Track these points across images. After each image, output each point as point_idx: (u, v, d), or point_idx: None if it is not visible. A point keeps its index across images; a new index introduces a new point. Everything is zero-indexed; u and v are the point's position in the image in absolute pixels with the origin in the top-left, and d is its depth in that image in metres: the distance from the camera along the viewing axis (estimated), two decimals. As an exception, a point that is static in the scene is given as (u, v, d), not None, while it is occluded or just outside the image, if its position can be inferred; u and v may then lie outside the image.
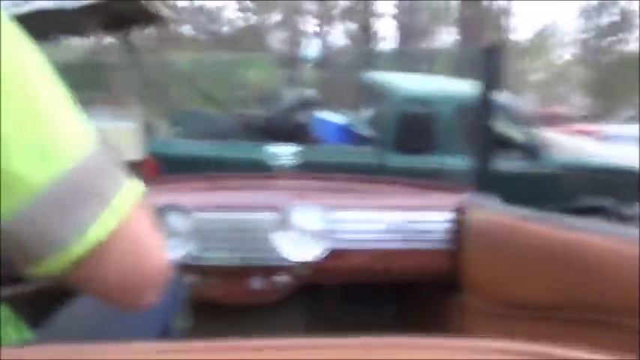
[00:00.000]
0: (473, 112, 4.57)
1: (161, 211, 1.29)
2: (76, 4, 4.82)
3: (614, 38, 23.78)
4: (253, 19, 20.19)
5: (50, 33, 5.50)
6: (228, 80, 13.75)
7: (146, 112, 5.46)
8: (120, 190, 0.49)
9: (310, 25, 19.55)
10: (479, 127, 1.40)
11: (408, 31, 11.96)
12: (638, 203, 4.23)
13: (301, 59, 16.25)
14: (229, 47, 18.42)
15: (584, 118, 13.04)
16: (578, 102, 25.60)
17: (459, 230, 1.27)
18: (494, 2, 17.06)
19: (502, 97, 4.52)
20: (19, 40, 0.47)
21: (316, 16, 18.99)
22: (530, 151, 4.14)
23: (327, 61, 16.94)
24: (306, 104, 4.06)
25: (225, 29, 20.10)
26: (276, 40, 21.20)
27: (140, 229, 0.52)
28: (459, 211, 1.29)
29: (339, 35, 20.00)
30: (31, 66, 0.47)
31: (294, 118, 3.93)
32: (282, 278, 1.30)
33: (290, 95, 4.15)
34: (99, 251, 0.48)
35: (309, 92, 4.39)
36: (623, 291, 0.81)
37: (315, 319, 1.54)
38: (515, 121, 4.28)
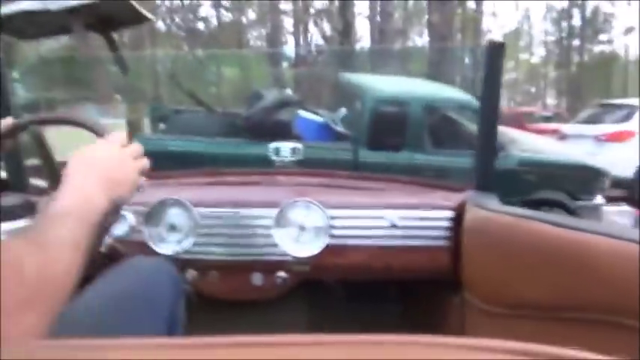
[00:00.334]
0: (440, 111, 4.92)
1: (161, 207, 1.29)
2: (61, 6, 4.97)
3: (583, 40, 24.51)
4: (228, 17, 20.27)
5: (36, 33, 5.62)
6: (206, 76, 13.75)
7: (130, 109, 5.64)
8: None
9: (287, 24, 19.72)
10: (482, 125, 1.37)
11: (382, 32, 12.23)
12: (589, 196, 4.63)
13: (279, 57, 16.39)
14: (206, 44, 18.48)
15: (549, 119, 13.57)
16: (549, 102, 26.34)
17: (458, 229, 1.27)
18: (464, 3, 17.38)
19: (465, 96, 4.88)
20: None
21: (292, 16, 19.15)
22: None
23: (304, 60, 17.14)
24: (287, 103, 4.29)
25: (202, 26, 20.14)
26: (254, 38, 21.34)
27: None
28: (459, 209, 1.29)
29: (315, 35, 20.22)
30: None
31: (276, 117, 4.17)
32: (281, 274, 1.31)
33: (271, 95, 4.36)
34: None
35: (289, 92, 4.63)
36: (623, 291, 0.80)
37: (315, 316, 1.54)
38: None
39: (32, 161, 1.16)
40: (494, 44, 1.32)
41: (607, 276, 0.83)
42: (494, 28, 25.06)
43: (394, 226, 1.29)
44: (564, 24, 25.56)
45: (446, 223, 1.30)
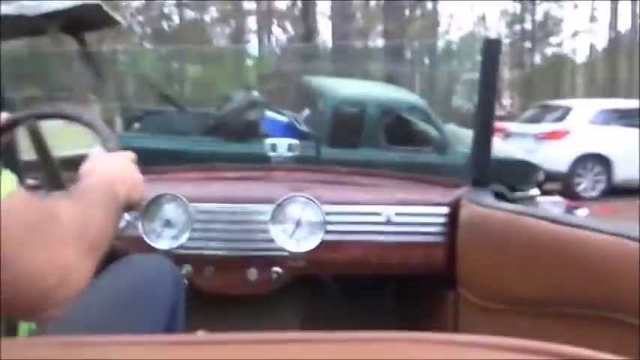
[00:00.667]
0: (393, 112, 5.41)
1: (157, 202, 1.29)
2: (36, 11, 5.15)
3: (535, 43, 25.62)
4: (191, 15, 20.24)
5: (9, 36, 5.75)
6: (169, 74, 13.70)
7: (104, 108, 5.87)
8: None
9: (251, 23, 19.89)
10: (478, 122, 1.35)
11: (343, 34, 12.58)
12: (525, 188, 5.22)
13: (242, 56, 16.53)
14: (169, 43, 18.43)
15: (502, 118, 14.35)
16: (505, 101, 27.31)
17: (454, 225, 1.27)
18: (419, 3, 17.71)
19: (415, 98, 5.40)
20: None
21: (255, 15, 19.32)
22: (440, 145, 5.01)
23: (267, 59, 17.35)
24: (255, 105, 4.69)
25: (165, 25, 20.05)
26: (218, 36, 21.37)
27: (9, 236, 0.49)
28: (454, 205, 1.29)
29: (278, 34, 20.49)
30: None
31: (245, 117, 4.56)
32: (277, 270, 1.31)
33: (240, 96, 4.75)
34: None
35: (256, 94, 5.02)
36: (618, 287, 0.79)
37: (311, 311, 1.55)
38: (428, 119, 5.15)
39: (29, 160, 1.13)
40: (490, 41, 1.31)
41: (602, 272, 0.82)
42: (451, 30, 25.81)
43: (390, 222, 1.30)
44: (517, 27, 26.65)
45: (441, 219, 1.30)
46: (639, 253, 0.76)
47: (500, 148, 5.95)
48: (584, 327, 0.85)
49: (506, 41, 27.70)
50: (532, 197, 5.25)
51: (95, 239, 0.62)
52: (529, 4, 25.18)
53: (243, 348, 0.38)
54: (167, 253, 1.25)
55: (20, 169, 1.27)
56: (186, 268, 1.30)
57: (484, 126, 1.35)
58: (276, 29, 19.79)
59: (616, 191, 7.10)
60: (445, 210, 1.31)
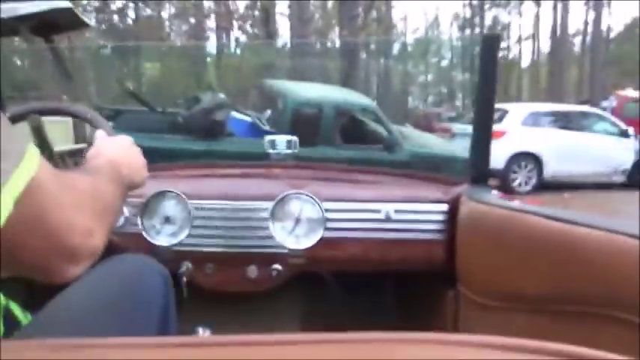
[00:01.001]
0: (348, 113, 5.93)
1: (156, 199, 1.29)
2: (10, 13, 5.33)
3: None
4: (147, 11, 20.10)
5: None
6: (124, 71, 13.55)
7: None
8: (25, 152, 0.50)
9: (210, 20, 19.96)
10: (477, 119, 1.33)
11: (301, 34, 12.88)
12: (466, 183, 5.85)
13: (202, 53, 16.59)
14: (125, 39, 18.33)
15: (453, 119, 15.17)
16: (457, 103, 28.40)
17: (453, 222, 1.27)
18: (373, 3, 17.89)
19: (368, 100, 5.96)
20: None
21: (215, 13, 19.40)
22: (388, 143, 5.56)
23: (227, 57, 17.53)
24: (221, 105, 5.12)
25: (118, 20, 19.83)
26: (175, 34, 21.34)
27: (45, 192, 0.52)
28: (454, 202, 1.29)
29: (237, 32, 20.67)
30: None
31: (212, 117, 4.97)
32: (277, 267, 1.31)
33: (207, 98, 5.16)
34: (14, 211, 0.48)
35: (222, 96, 5.44)
36: (618, 284, 0.79)
37: (311, 308, 1.55)
38: (378, 120, 5.71)
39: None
40: (488, 37, 1.31)
41: (601, 269, 0.82)
42: (405, 33, 26.58)
43: (389, 219, 1.30)
44: (468, 31, 27.79)
45: (441, 217, 1.30)
46: (638, 250, 0.76)
47: (441, 145, 6.62)
48: (583, 324, 0.84)
49: (458, 44, 28.78)
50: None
51: (106, 210, 0.65)
52: (478, 9, 26.31)
53: (242, 349, 0.38)
54: (166, 250, 1.27)
55: None
56: (186, 265, 1.30)
57: (483, 125, 1.34)
58: (236, 31, 19.94)
59: (546, 186, 7.89)
60: (444, 207, 1.31)
